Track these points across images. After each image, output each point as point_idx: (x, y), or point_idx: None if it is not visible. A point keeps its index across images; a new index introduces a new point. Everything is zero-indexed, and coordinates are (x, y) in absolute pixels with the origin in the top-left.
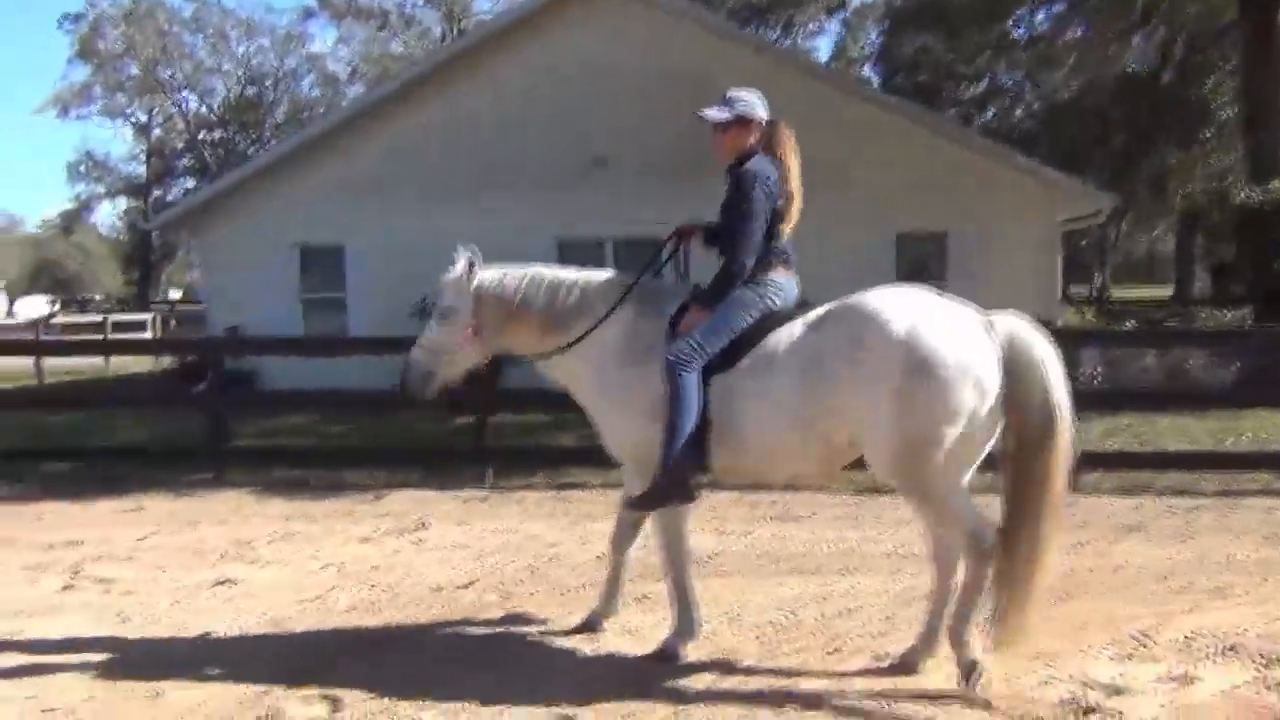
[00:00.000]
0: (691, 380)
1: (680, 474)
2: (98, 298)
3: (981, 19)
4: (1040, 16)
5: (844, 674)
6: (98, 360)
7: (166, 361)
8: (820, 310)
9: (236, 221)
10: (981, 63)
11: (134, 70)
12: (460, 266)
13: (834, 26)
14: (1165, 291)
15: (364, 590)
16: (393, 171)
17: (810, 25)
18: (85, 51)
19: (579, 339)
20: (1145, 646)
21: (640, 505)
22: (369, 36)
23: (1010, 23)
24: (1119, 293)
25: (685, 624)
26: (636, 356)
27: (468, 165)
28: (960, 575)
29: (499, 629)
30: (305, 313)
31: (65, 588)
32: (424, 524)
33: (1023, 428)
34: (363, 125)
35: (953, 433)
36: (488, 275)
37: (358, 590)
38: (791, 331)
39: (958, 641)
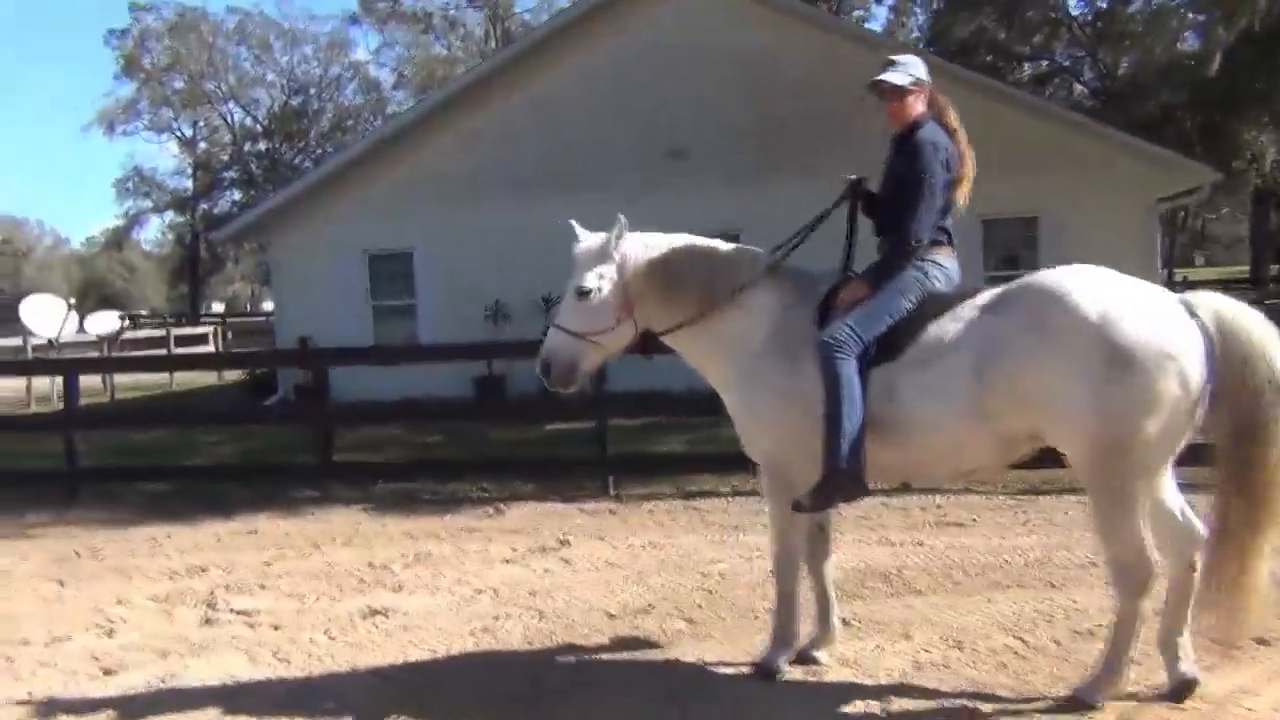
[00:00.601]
0: (850, 368)
1: (855, 470)
2: (144, 313)
3: None
4: None
5: (1129, 708)
6: (161, 376)
7: (231, 376)
8: (992, 292)
9: (304, 229)
10: (1039, 41)
11: (179, 84)
12: (602, 237)
13: (882, 12)
14: (1232, 272)
15: (532, 619)
16: (462, 172)
17: (858, 10)
18: (130, 67)
19: (727, 301)
20: None
21: (812, 505)
22: (412, 40)
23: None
24: (1188, 273)
25: (787, 635)
26: (787, 348)
27: (534, 163)
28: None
29: (701, 660)
30: (375, 320)
31: (205, 622)
32: (565, 541)
33: (1241, 417)
34: (430, 126)
35: (1154, 426)
36: (633, 244)
37: (525, 618)
38: (961, 316)
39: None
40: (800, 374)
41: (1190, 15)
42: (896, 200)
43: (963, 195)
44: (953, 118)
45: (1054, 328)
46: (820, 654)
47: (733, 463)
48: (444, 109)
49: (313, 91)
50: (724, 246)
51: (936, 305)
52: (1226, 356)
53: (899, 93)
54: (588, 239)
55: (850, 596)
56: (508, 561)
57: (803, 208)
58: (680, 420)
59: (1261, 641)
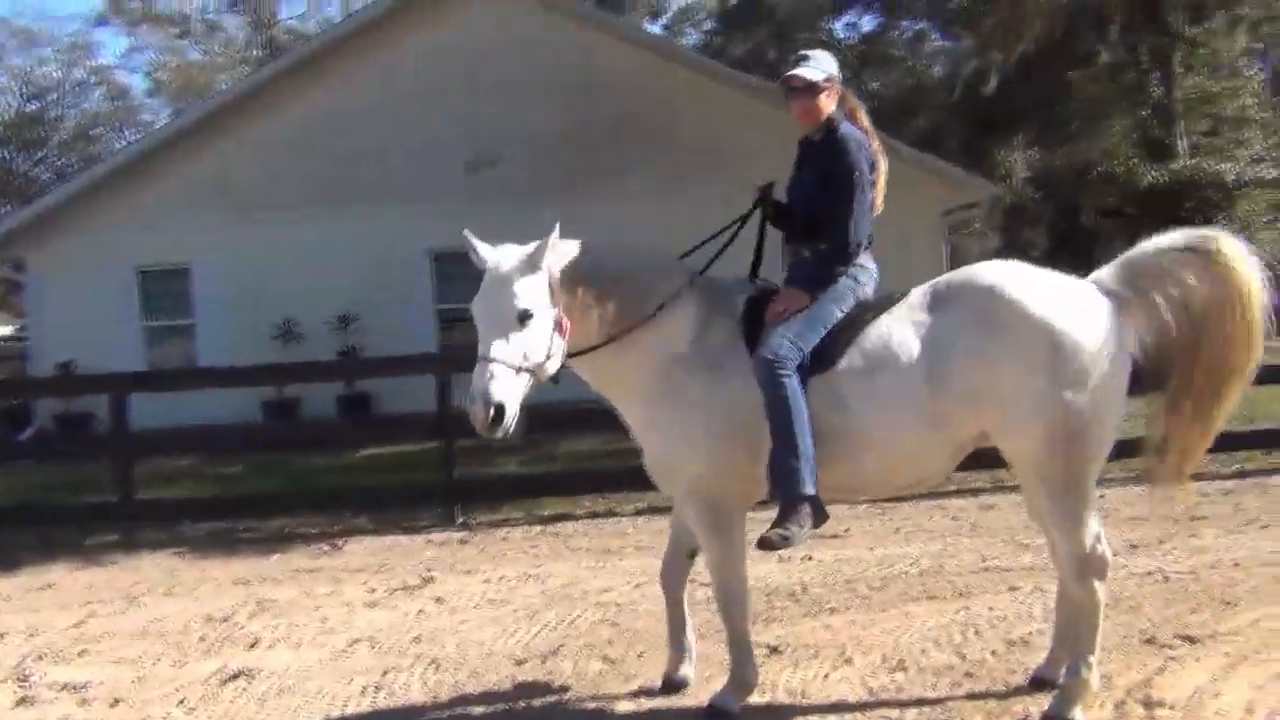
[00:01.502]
0: (796, 383)
1: (817, 494)
2: None
3: (811, 18)
4: (866, 17)
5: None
6: None
7: None
8: (921, 292)
9: (65, 244)
10: None
11: None
12: (529, 248)
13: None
14: None
15: (428, 670)
16: (247, 181)
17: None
18: None
19: (650, 316)
20: None
21: (782, 540)
22: (166, 45)
23: (838, 23)
24: None
25: (745, 675)
26: (712, 362)
27: (332, 172)
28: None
29: (637, 706)
30: (148, 342)
31: (20, 702)
32: (428, 577)
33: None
34: (211, 130)
35: (1103, 410)
36: (561, 255)
37: (419, 670)
38: (898, 319)
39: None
40: (726, 389)
41: (945, 42)
42: (823, 203)
43: (880, 197)
44: (864, 118)
45: (1000, 323)
46: (684, 671)
47: (580, 483)
48: (228, 113)
49: (52, 97)
50: (643, 252)
51: (870, 310)
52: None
53: (812, 90)
54: (506, 252)
55: (766, 620)
56: (371, 605)
57: (616, 218)
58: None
59: (1188, 639)
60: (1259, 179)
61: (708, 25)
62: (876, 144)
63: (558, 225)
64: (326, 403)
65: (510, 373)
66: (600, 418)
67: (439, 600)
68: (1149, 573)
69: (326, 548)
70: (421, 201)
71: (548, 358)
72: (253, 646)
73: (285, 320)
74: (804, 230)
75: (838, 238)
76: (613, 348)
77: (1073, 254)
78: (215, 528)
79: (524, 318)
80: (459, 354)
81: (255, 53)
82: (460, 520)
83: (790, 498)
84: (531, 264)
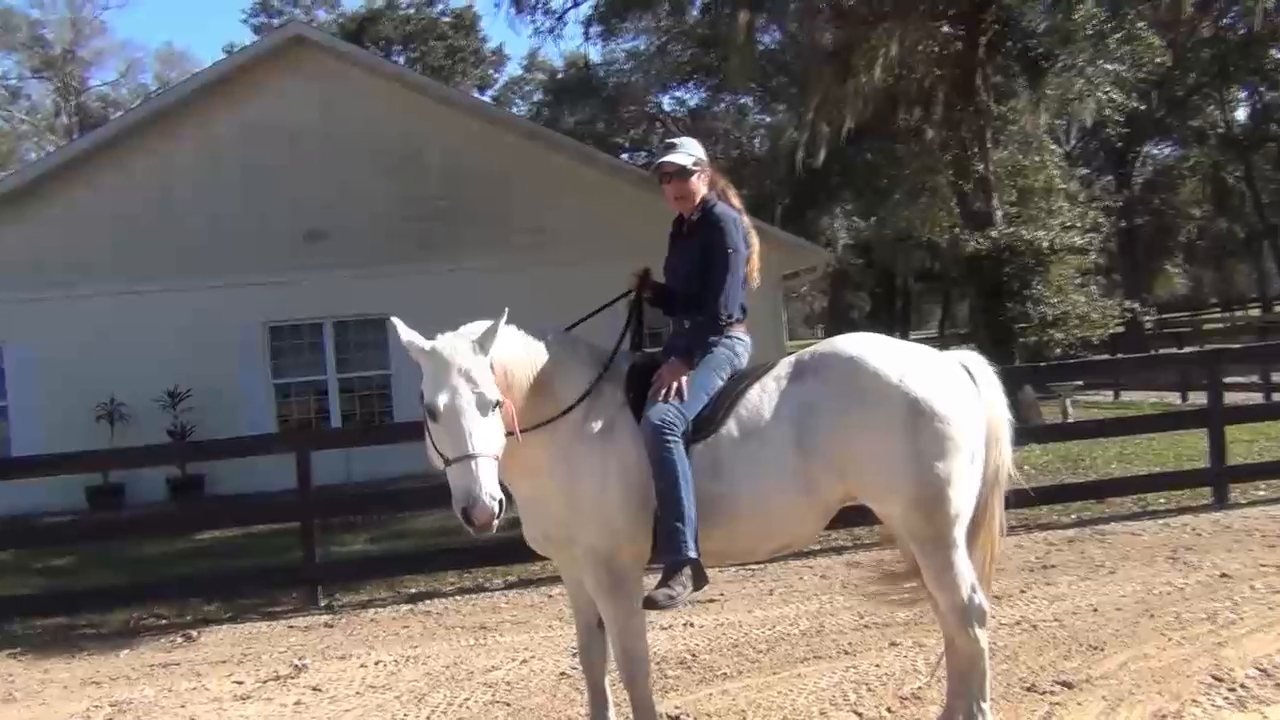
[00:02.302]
0: (682, 450)
1: (698, 557)
2: None
3: (639, 92)
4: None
5: None
6: None
7: None
8: (788, 363)
9: None
10: (637, 135)
11: None
12: (478, 330)
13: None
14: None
15: None
16: (63, 256)
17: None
18: None
19: (572, 406)
20: None
21: (668, 601)
22: None
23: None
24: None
25: None
26: (600, 428)
27: (155, 246)
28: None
29: None
30: None
31: None
32: (300, 665)
33: (984, 468)
34: (23, 202)
35: (966, 470)
36: (509, 340)
37: None
38: (769, 388)
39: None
40: (618, 454)
41: (764, 118)
42: (701, 279)
43: (755, 271)
44: (735, 197)
45: (861, 389)
46: None
47: (445, 559)
48: (42, 185)
49: None
50: (558, 340)
51: (744, 379)
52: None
53: (685, 174)
54: (457, 342)
55: (662, 689)
56: (243, 698)
57: (449, 291)
58: (346, 520)
59: (1066, 685)
60: (1069, 245)
61: (536, 97)
62: (748, 221)
63: (506, 311)
64: (155, 486)
65: (494, 465)
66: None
67: (316, 689)
68: (1017, 622)
69: (179, 639)
70: (252, 274)
71: (501, 446)
72: None
73: (110, 399)
74: (683, 307)
75: (710, 309)
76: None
77: (890, 316)
78: (50, 624)
79: (494, 406)
80: (324, 433)
81: (63, 120)
82: (324, 603)
83: (674, 560)
84: (484, 351)
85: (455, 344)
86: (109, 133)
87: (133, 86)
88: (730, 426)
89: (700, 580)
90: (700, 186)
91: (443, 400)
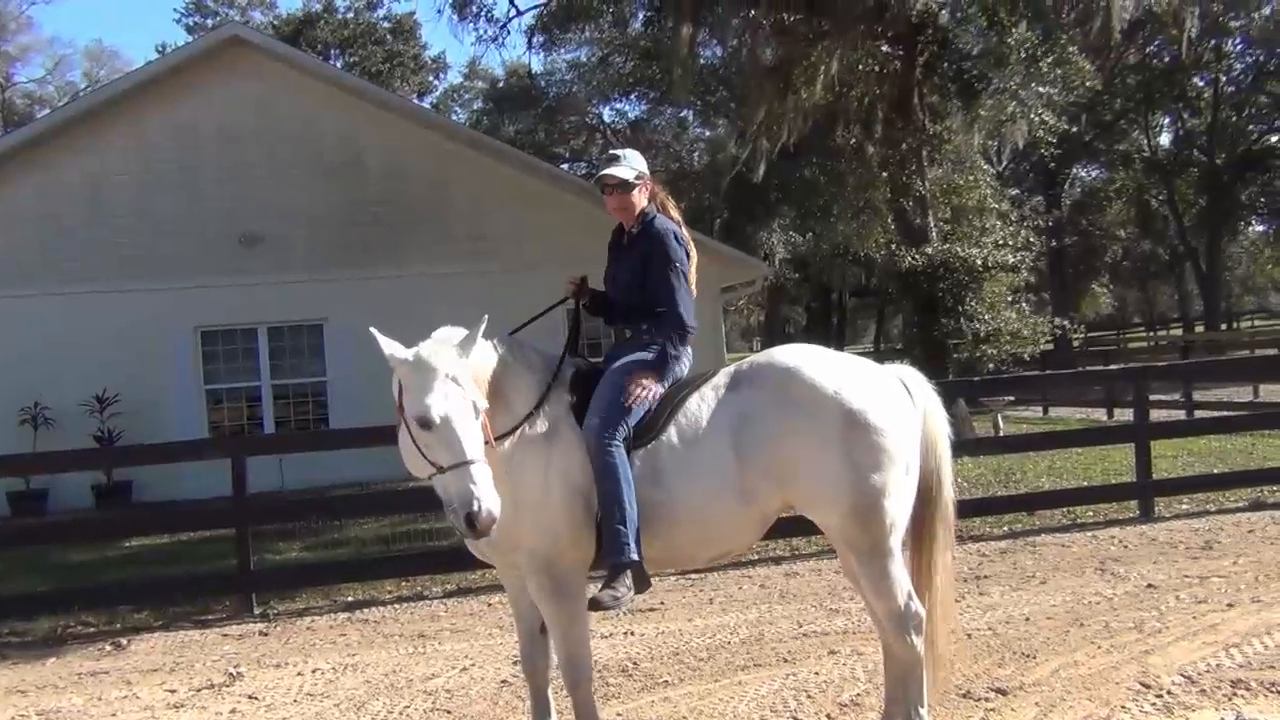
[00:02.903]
0: (624, 455)
1: (640, 560)
2: None
3: (580, 103)
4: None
5: None
6: None
7: None
8: (727, 373)
9: None
10: (577, 145)
11: None
12: (458, 335)
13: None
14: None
15: None
16: None
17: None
18: None
19: (528, 415)
20: None
21: (612, 602)
22: None
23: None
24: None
25: None
26: (544, 432)
27: (82, 246)
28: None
29: None
30: None
31: None
32: (235, 673)
33: (923, 480)
34: None
35: (899, 482)
36: (481, 348)
37: None
38: (707, 397)
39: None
40: (562, 458)
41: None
42: (645, 291)
43: (692, 283)
44: (674, 209)
45: (797, 400)
46: None
47: (383, 566)
48: None
49: None
50: (519, 349)
51: (684, 388)
52: (924, 420)
53: (626, 187)
54: (439, 349)
55: (604, 696)
56: (176, 707)
57: (386, 296)
58: (281, 527)
59: (1000, 691)
60: (1002, 263)
61: (476, 105)
62: (687, 233)
63: (486, 318)
64: (80, 492)
65: (489, 470)
66: (381, 500)
67: (252, 698)
68: (952, 630)
69: (109, 647)
70: (185, 278)
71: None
72: None
73: (35, 404)
74: (623, 316)
75: (673, 319)
76: None
77: (826, 330)
78: None
79: (479, 413)
80: (260, 438)
81: (65, 103)
82: (259, 611)
83: (617, 562)
84: (467, 356)
85: (438, 350)
86: (37, 130)
87: (60, 84)
88: (670, 434)
89: (643, 583)
90: (641, 199)
91: (435, 407)
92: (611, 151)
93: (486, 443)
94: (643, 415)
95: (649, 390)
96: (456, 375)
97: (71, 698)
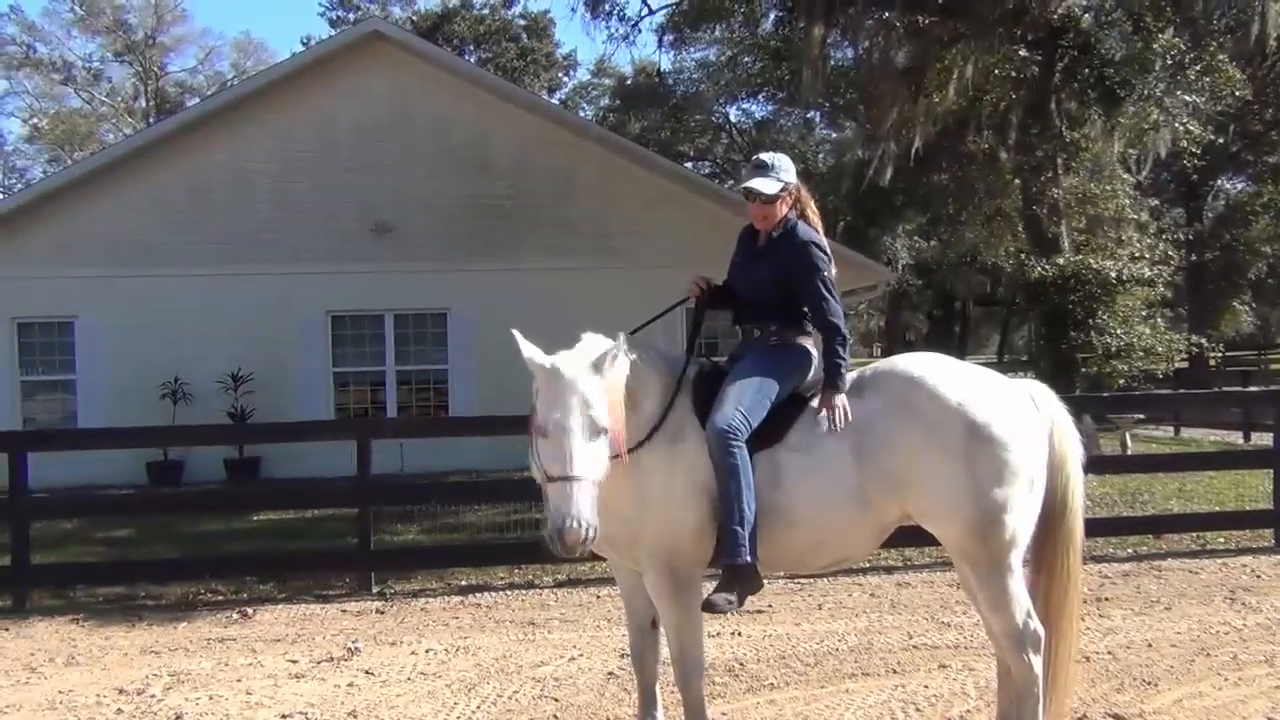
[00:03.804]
0: (746, 455)
1: (755, 562)
2: None
3: (706, 102)
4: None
5: None
6: None
7: None
8: (850, 378)
9: None
10: (702, 144)
11: None
12: (593, 355)
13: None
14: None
15: None
16: (136, 236)
17: None
18: None
19: (659, 424)
20: None
21: (728, 604)
22: (43, 91)
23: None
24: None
25: None
26: (668, 431)
27: (224, 230)
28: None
29: None
30: (23, 397)
31: None
32: (353, 649)
33: (1049, 498)
34: (102, 182)
35: (1022, 498)
36: (616, 366)
37: None
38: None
39: None
40: (685, 457)
41: (830, 133)
42: (781, 299)
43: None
44: (815, 218)
45: (919, 409)
46: None
47: (498, 553)
48: (121, 166)
49: None
50: (656, 357)
51: (807, 391)
52: (1052, 436)
53: (769, 199)
54: (576, 361)
55: (709, 696)
56: (297, 677)
57: (509, 288)
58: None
59: (1117, 718)
60: (1137, 276)
61: (603, 102)
62: (828, 243)
63: (622, 336)
64: (213, 465)
65: (594, 490)
66: (506, 488)
67: (368, 673)
68: (1073, 654)
69: (236, 616)
70: (317, 264)
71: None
72: None
73: (175, 379)
74: (753, 316)
75: (830, 326)
76: None
77: (948, 339)
78: (111, 593)
79: (601, 432)
80: (387, 422)
81: (142, 104)
82: (377, 589)
83: (732, 563)
84: (601, 375)
85: (575, 364)
86: (188, 118)
87: (209, 74)
88: (791, 437)
89: (757, 584)
90: (781, 209)
91: (554, 419)
92: (759, 157)
93: (616, 456)
94: (766, 418)
95: (839, 409)
96: (586, 392)
97: (201, 661)
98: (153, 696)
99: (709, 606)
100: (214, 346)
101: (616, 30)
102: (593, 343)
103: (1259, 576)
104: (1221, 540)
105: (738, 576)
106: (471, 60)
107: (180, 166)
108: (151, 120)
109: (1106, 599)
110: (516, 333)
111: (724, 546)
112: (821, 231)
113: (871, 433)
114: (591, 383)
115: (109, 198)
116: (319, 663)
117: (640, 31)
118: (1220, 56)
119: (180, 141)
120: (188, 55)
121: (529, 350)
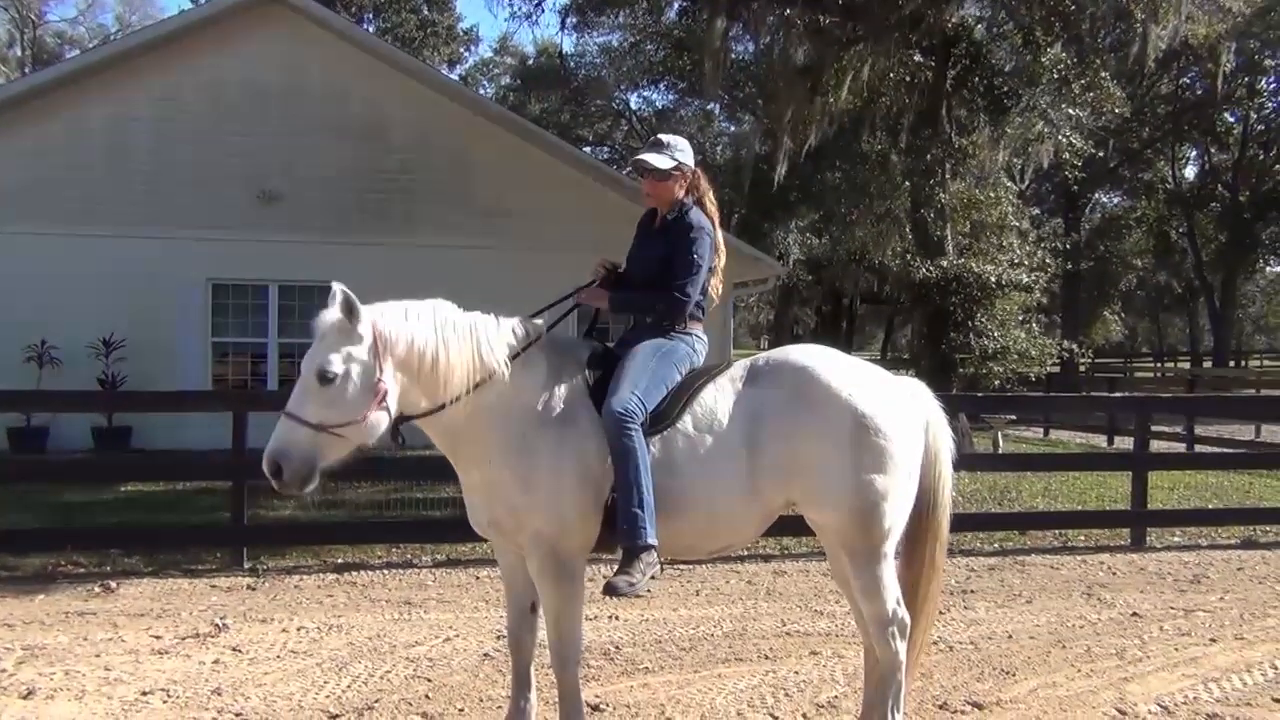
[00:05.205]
0: (642, 439)
1: (656, 545)
2: None
3: (607, 88)
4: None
5: None
6: None
7: None
8: (743, 366)
9: None
10: (601, 130)
11: None
12: (338, 311)
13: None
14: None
15: None
16: (10, 190)
17: None
18: None
19: (478, 384)
20: None
21: (629, 588)
22: None
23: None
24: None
25: None
26: (562, 416)
27: (100, 189)
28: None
29: None
30: None
31: None
32: (221, 625)
33: (921, 492)
34: None
35: (901, 488)
36: (390, 318)
37: None
38: (723, 388)
39: None
40: (575, 441)
41: (728, 125)
42: (662, 277)
43: (718, 286)
44: (712, 205)
45: (811, 400)
46: None
47: (377, 531)
48: None
49: None
50: (482, 316)
51: (699, 377)
52: (927, 433)
53: (660, 175)
54: (330, 312)
55: (583, 678)
56: (160, 653)
57: (400, 263)
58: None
59: (976, 705)
60: (1016, 282)
61: (504, 80)
62: (721, 235)
63: (339, 290)
64: (80, 433)
65: (306, 431)
66: (386, 465)
67: (236, 650)
68: (935, 642)
69: (98, 589)
70: (200, 230)
71: (355, 423)
72: (28, 696)
73: (42, 342)
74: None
75: (675, 297)
76: (459, 409)
77: (834, 335)
78: None
79: (328, 380)
80: (259, 393)
81: (17, 53)
82: (249, 565)
83: (633, 545)
84: (348, 327)
85: (325, 314)
86: (67, 69)
87: (91, 25)
88: (685, 422)
89: (656, 568)
90: (677, 190)
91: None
92: (658, 136)
93: (407, 418)
94: (660, 402)
95: (591, 301)
96: (325, 338)
97: (58, 635)
98: (3, 671)
99: (611, 590)
100: (86, 310)
101: (519, 8)
102: (397, 303)
103: (1115, 574)
104: (1082, 538)
105: (638, 559)
106: (370, 29)
107: (59, 121)
108: (27, 70)
109: (972, 591)
110: (337, 285)
111: (624, 530)
112: (718, 222)
113: (764, 421)
114: (331, 333)
115: None
116: (184, 639)
117: (544, 11)
118: (1104, 74)
119: (59, 94)
120: (68, 4)
121: (335, 297)
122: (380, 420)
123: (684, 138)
